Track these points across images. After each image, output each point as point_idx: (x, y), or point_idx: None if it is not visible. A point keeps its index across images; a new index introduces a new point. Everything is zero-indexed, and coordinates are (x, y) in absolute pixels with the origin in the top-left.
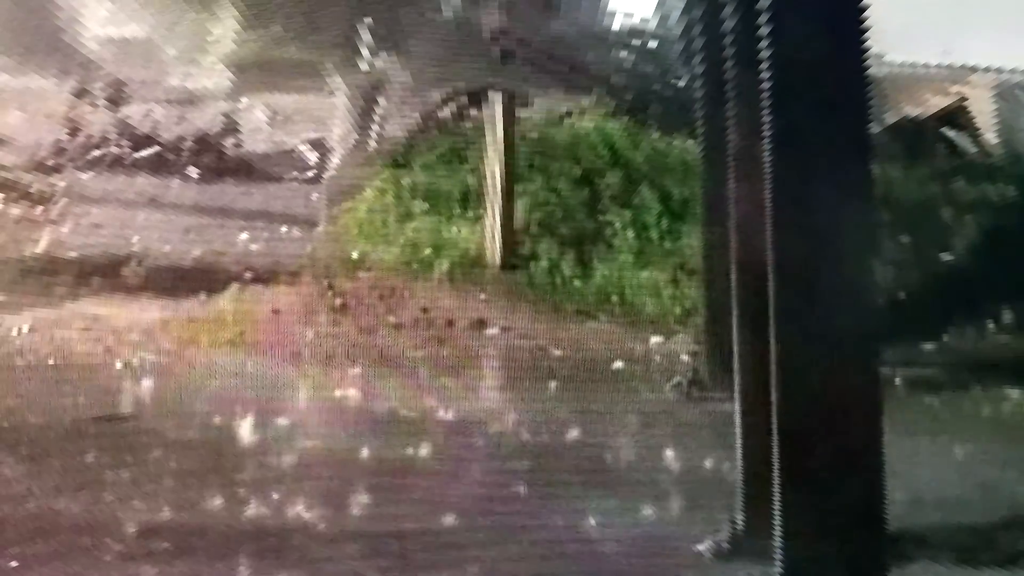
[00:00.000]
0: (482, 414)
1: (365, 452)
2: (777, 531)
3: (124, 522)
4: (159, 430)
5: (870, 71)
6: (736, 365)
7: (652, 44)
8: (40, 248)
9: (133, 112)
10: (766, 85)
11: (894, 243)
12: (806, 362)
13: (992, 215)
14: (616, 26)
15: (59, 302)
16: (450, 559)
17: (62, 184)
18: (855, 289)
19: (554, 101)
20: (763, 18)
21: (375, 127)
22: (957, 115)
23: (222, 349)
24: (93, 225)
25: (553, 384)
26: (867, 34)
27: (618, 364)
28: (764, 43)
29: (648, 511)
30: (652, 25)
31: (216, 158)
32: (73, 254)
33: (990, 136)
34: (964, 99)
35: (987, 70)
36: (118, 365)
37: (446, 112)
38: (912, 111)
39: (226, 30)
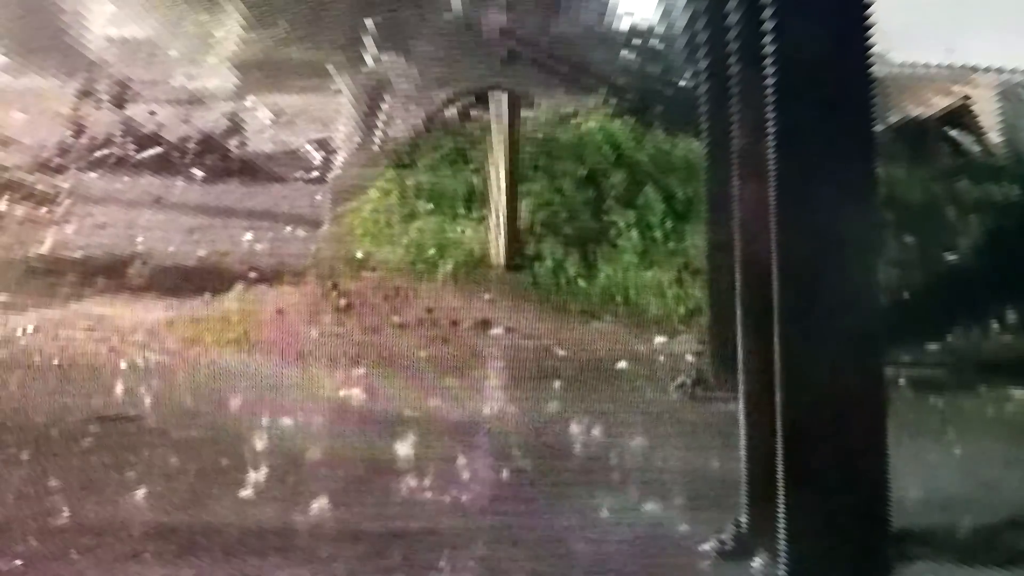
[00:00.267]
0: (486, 414)
1: (369, 452)
2: (781, 530)
3: (128, 522)
4: (163, 430)
5: (874, 71)
6: (740, 365)
7: (656, 44)
8: (45, 248)
9: (137, 112)
10: (770, 85)
11: (898, 243)
12: (810, 362)
13: (996, 215)
14: (620, 26)
15: (64, 302)
16: (453, 559)
17: (66, 184)
18: (859, 289)
19: (558, 101)
20: (767, 18)
21: (379, 127)
22: (960, 115)
23: (226, 349)
24: (97, 225)
25: (557, 384)
26: (871, 34)
27: (622, 364)
28: (768, 43)
29: (652, 510)
30: (656, 25)
31: (220, 158)
32: (78, 254)
33: (993, 136)
34: (968, 99)
35: (991, 70)
36: (123, 365)
37: (451, 112)
38: (915, 111)
39: (230, 30)
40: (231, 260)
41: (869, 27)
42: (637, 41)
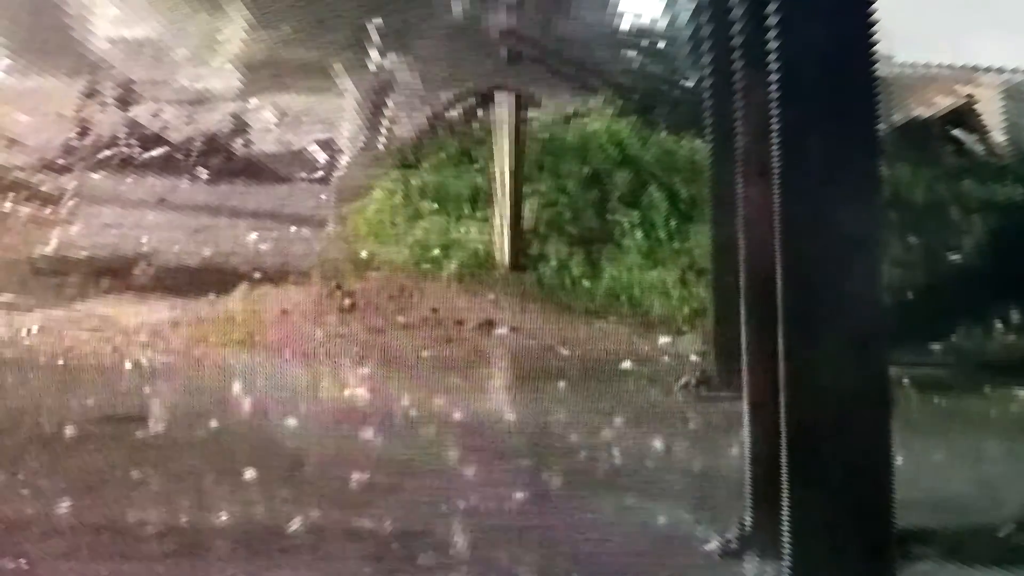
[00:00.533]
0: (491, 414)
1: (373, 451)
2: (785, 530)
3: (132, 522)
4: (167, 430)
5: (878, 71)
6: (744, 365)
7: (661, 44)
8: (49, 248)
9: (142, 112)
10: (774, 85)
11: (902, 243)
12: (814, 361)
13: (1000, 215)
14: (625, 26)
15: (69, 302)
16: (457, 558)
17: (72, 184)
18: (863, 289)
19: (563, 101)
20: (771, 18)
21: (384, 127)
22: (965, 115)
23: (231, 349)
24: (103, 225)
25: (562, 384)
26: (875, 33)
27: (627, 364)
28: (772, 43)
29: (657, 510)
30: (661, 25)
31: (225, 158)
32: (82, 254)
33: (998, 136)
34: (972, 99)
35: (995, 70)
36: (127, 365)
37: (455, 112)
38: (920, 111)
39: (235, 31)
40: (236, 260)
41: (873, 27)
42: (642, 41)
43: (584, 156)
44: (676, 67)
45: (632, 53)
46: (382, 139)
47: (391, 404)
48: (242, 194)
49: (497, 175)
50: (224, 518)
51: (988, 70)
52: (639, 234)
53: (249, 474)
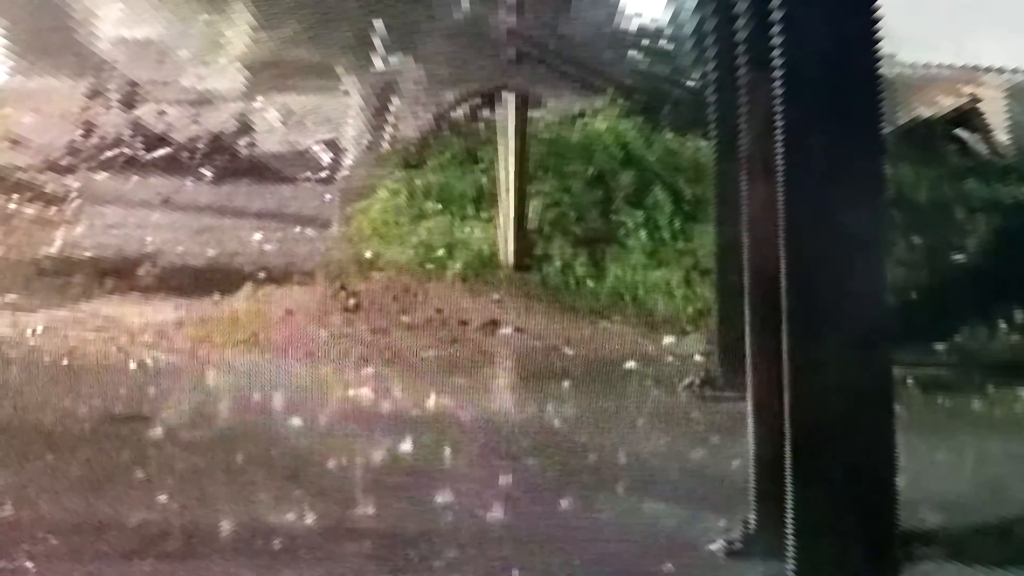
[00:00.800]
0: (495, 413)
1: (378, 451)
2: (789, 530)
3: (136, 521)
4: (172, 430)
5: (881, 71)
6: (748, 365)
7: (665, 45)
8: (54, 248)
9: (146, 113)
10: (778, 85)
11: (906, 243)
12: (818, 362)
13: (1004, 215)
14: (629, 27)
15: (73, 302)
16: (461, 558)
17: (76, 184)
18: (867, 289)
19: (567, 101)
20: (775, 18)
21: (388, 127)
22: (969, 116)
23: (236, 349)
24: (107, 225)
25: (566, 384)
26: (879, 34)
27: (631, 364)
28: (776, 43)
29: (661, 510)
30: (665, 26)
31: (230, 158)
32: (87, 254)
33: (1002, 136)
34: (976, 100)
35: (999, 71)
36: (132, 365)
37: (459, 113)
38: (924, 112)
39: (239, 31)
40: (240, 260)
41: (877, 26)
42: (646, 41)
43: (588, 156)
44: (680, 67)
45: (636, 53)
46: (386, 139)
47: (395, 404)
48: (246, 194)
49: (501, 175)
50: (228, 518)
51: (992, 70)
52: (643, 234)
53: (253, 473)
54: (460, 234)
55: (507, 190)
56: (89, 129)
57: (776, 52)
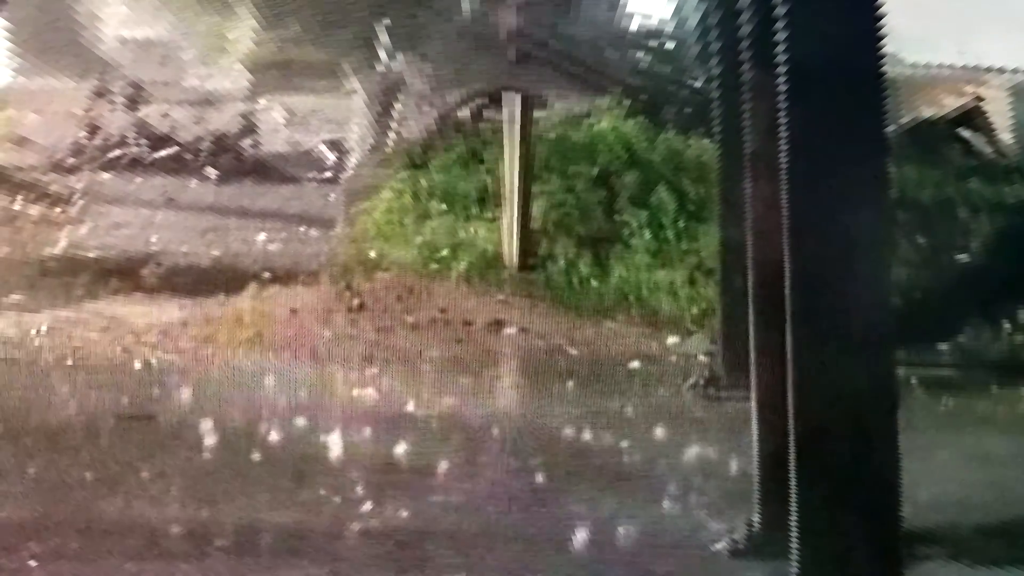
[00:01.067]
0: (500, 413)
1: (382, 451)
2: (793, 530)
3: (141, 521)
4: (177, 430)
5: (886, 71)
6: (752, 365)
7: (669, 45)
8: (59, 248)
9: (151, 113)
10: (782, 85)
11: (910, 243)
12: (822, 362)
13: (1008, 215)
14: (633, 27)
15: (78, 302)
16: (466, 557)
17: (81, 184)
18: (871, 289)
19: (571, 102)
20: (779, 18)
21: (393, 128)
22: (973, 116)
23: (240, 349)
24: (112, 225)
25: (570, 383)
26: (883, 34)
27: (635, 364)
28: (780, 44)
29: (665, 510)
30: (669, 26)
31: (234, 159)
32: (92, 254)
33: (1006, 136)
34: (980, 100)
35: (1003, 71)
36: (136, 365)
37: (464, 113)
38: (928, 112)
39: (244, 31)
40: (245, 260)
41: (881, 27)
42: (650, 42)
43: (592, 156)
44: (684, 67)
45: (640, 54)
46: (391, 139)
47: (400, 403)
48: (251, 194)
49: (505, 175)
50: (232, 516)
51: (996, 70)
52: (647, 234)
53: (257, 473)
54: (464, 234)
55: (511, 190)
56: (93, 129)
57: (780, 52)
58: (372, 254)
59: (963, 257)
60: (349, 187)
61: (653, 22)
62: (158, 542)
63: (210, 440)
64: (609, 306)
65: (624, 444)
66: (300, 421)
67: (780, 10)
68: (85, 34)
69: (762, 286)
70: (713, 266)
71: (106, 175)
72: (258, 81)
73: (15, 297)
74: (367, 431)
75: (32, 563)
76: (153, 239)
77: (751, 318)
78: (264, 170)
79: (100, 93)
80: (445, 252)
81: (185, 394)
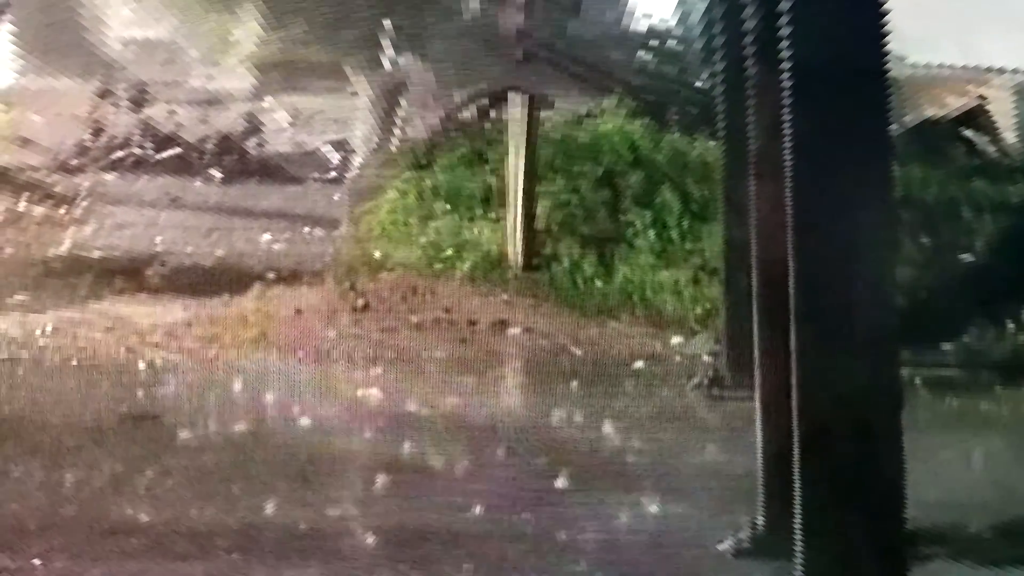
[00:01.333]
0: (504, 413)
1: (387, 451)
2: (797, 530)
3: (144, 521)
4: (181, 430)
5: (890, 72)
6: (757, 365)
7: (673, 45)
8: (63, 249)
9: (156, 113)
10: (786, 85)
11: (914, 243)
12: (827, 362)
13: (1012, 215)
14: (637, 27)
15: (82, 303)
16: (471, 557)
17: (85, 185)
18: (875, 289)
19: (575, 102)
20: (783, 19)
21: (397, 128)
22: (977, 116)
23: (245, 349)
24: (116, 226)
25: (574, 383)
26: (887, 35)
27: (639, 364)
28: (784, 44)
29: (669, 510)
30: (673, 26)
31: (238, 159)
32: (96, 255)
33: (1009, 136)
34: (983, 99)
35: (1006, 71)
36: (141, 365)
37: (468, 113)
38: (932, 112)
39: (248, 31)
40: (249, 261)
41: (885, 27)
42: (654, 42)
43: (597, 156)
44: (688, 68)
45: (645, 54)
46: (395, 140)
47: (404, 403)
48: (255, 195)
49: (510, 175)
50: (237, 517)
51: (1000, 71)
52: (652, 234)
53: (262, 472)
54: (469, 234)
55: (515, 190)
56: (98, 129)
57: (784, 52)
58: (376, 254)
59: (967, 257)
60: (353, 187)
61: (658, 22)
62: (161, 542)
63: (214, 440)
64: (613, 306)
65: (628, 444)
66: (304, 421)
67: (784, 10)
68: (89, 34)
69: (766, 286)
70: (717, 266)
71: (110, 175)
72: (262, 81)
73: (20, 297)
74: (371, 431)
75: (36, 562)
76: (157, 239)
77: (755, 318)
78: (268, 170)
79: (104, 94)
80: (449, 252)
81: (189, 394)
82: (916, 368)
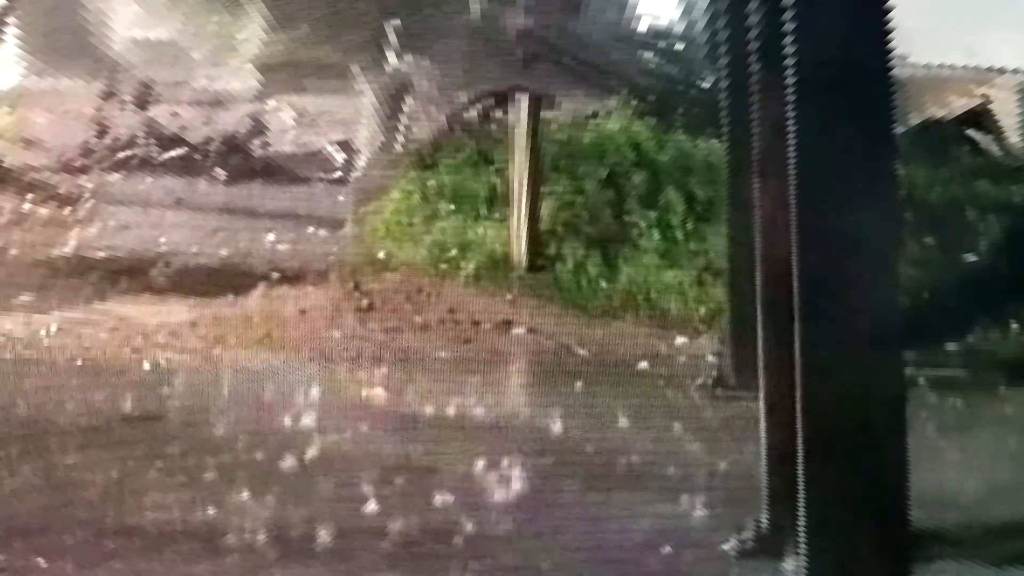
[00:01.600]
0: (508, 414)
1: (391, 451)
2: (801, 530)
3: (148, 521)
4: (186, 430)
5: (894, 72)
6: (761, 365)
7: (677, 45)
8: (68, 249)
9: (160, 113)
10: (790, 86)
11: (918, 244)
12: (830, 362)
13: (1016, 215)
14: (641, 27)
15: (87, 303)
16: (474, 556)
17: (90, 185)
18: (879, 289)
19: (579, 102)
20: (788, 19)
21: (401, 128)
22: (981, 116)
23: (250, 349)
24: (121, 226)
25: (579, 384)
26: (892, 35)
27: (643, 364)
28: (789, 44)
29: (673, 510)
30: (677, 26)
31: (243, 159)
32: (101, 255)
33: (1013, 137)
34: (988, 100)
35: (1011, 71)
36: (146, 365)
37: (472, 113)
38: (936, 112)
39: (253, 32)
40: (254, 261)
41: (889, 27)
42: (658, 43)
43: (601, 157)
44: (693, 68)
45: (649, 54)
46: (399, 140)
47: (409, 403)
48: (260, 195)
49: (514, 176)
50: (240, 517)
51: (1004, 71)
52: (656, 235)
53: (266, 473)
54: (473, 235)
55: (520, 191)
56: (103, 130)
57: (789, 53)
58: (381, 254)
59: (971, 257)
60: (358, 187)
61: (662, 23)
62: (166, 542)
63: (218, 440)
64: (617, 307)
65: (632, 444)
66: (309, 421)
67: (788, 10)
68: (94, 35)
69: (770, 286)
70: (722, 266)
71: (115, 176)
72: (267, 82)
73: (25, 297)
74: (376, 431)
75: (40, 561)
76: (162, 239)
77: (759, 318)
78: (273, 170)
79: (110, 93)
80: (454, 252)
81: (194, 394)
82: (920, 368)
